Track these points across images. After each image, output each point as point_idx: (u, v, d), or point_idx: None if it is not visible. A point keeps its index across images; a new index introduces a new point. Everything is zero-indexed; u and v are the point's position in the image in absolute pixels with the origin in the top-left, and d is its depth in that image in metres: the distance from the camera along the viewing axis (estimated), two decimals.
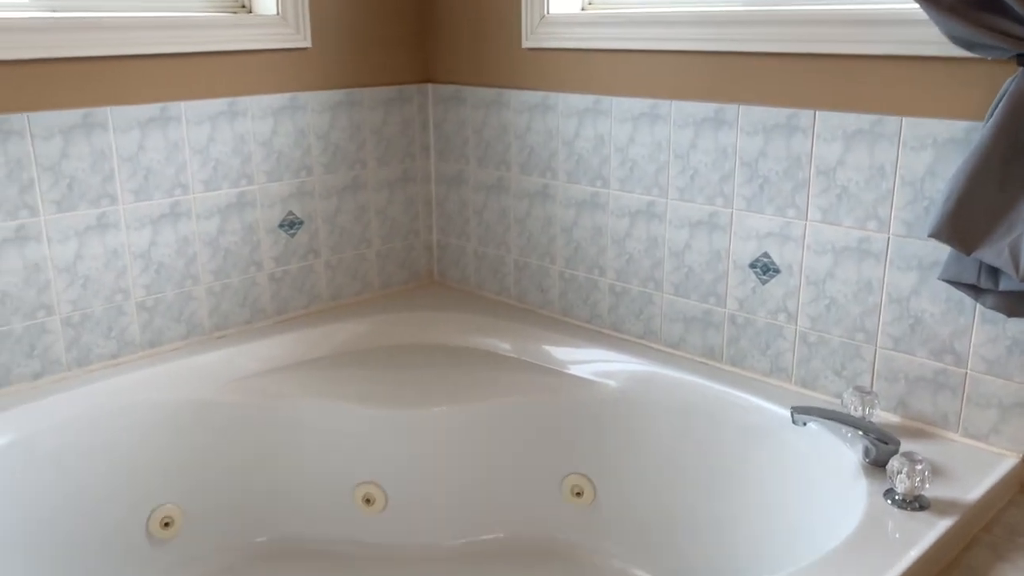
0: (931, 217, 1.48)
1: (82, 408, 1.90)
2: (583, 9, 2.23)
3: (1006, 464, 1.57)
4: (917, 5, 1.44)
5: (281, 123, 2.22)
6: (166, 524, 1.98)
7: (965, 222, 1.44)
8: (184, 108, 2.05)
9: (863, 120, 1.67)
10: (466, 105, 2.44)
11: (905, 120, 1.61)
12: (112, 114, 1.94)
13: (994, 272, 1.46)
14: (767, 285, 1.88)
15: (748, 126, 1.84)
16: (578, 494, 2.07)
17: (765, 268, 1.88)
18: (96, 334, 2.00)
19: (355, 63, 2.35)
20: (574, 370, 2.13)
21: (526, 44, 2.23)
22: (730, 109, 1.86)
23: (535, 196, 2.32)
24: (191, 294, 2.14)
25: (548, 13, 2.18)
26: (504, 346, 2.29)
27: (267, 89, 2.19)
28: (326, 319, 2.34)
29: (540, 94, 2.24)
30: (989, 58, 1.47)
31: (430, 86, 2.52)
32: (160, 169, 2.04)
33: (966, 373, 1.63)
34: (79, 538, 1.85)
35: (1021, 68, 1.39)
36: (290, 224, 2.29)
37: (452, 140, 2.50)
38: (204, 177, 2.11)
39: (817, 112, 1.73)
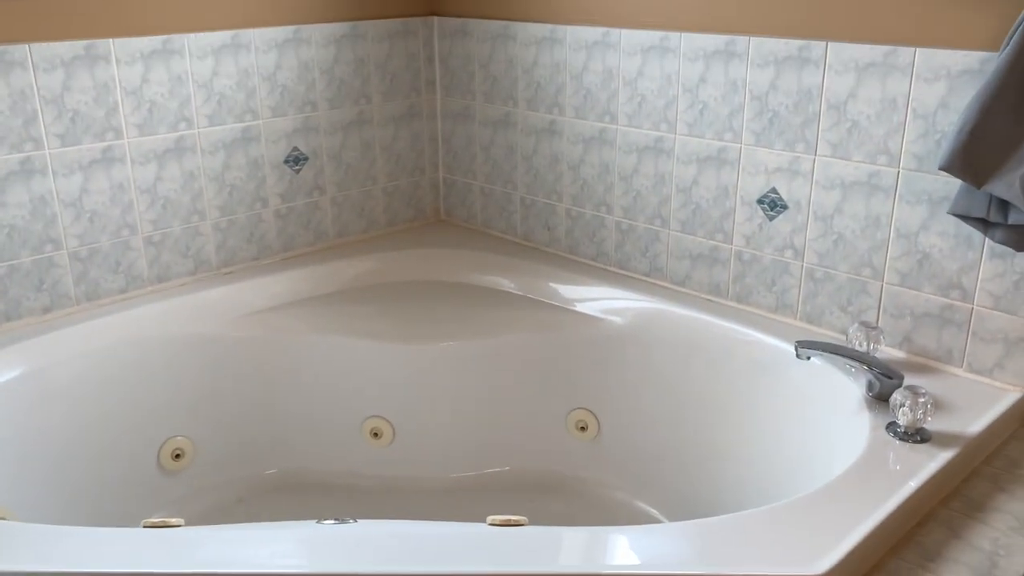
0: (943, 150, 1.46)
1: (91, 342, 1.92)
2: None
3: (1009, 399, 1.58)
4: None
5: (285, 57, 2.19)
6: (177, 456, 2.01)
7: (977, 155, 1.42)
8: (188, 40, 2.02)
9: (876, 51, 1.64)
10: (472, 38, 2.40)
11: (919, 51, 1.58)
12: (115, 46, 1.92)
13: (1004, 206, 1.44)
14: (774, 221, 1.87)
15: (759, 58, 1.81)
16: (582, 428, 2.10)
17: (773, 204, 1.86)
18: (104, 269, 2.01)
19: None
20: (580, 307, 2.14)
21: None
22: (740, 41, 1.83)
23: (542, 132, 2.30)
24: (198, 230, 2.14)
25: None
26: (510, 283, 2.29)
27: (271, 21, 2.15)
28: (332, 256, 2.35)
29: (548, 27, 2.20)
30: None
31: (435, 19, 2.48)
32: (164, 103, 2.02)
33: (972, 308, 1.63)
34: (91, 471, 1.89)
35: None
36: (295, 160, 2.28)
37: (458, 75, 2.47)
38: (208, 112, 2.09)
39: (829, 43, 1.70)
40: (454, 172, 2.59)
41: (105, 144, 1.95)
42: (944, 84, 1.56)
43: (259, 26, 2.13)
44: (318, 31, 2.24)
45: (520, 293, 2.26)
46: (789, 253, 1.86)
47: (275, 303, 2.17)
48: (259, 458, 2.12)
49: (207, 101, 2.09)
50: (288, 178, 2.28)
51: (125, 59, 1.94)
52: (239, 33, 2.10)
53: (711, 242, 2.00)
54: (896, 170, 1.66)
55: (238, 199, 2.20)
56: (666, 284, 2.12)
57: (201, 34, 2.04)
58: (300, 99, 2.25)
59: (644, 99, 2.04)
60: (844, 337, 1.76)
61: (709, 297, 2.04)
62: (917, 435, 1.45)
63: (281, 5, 2.16)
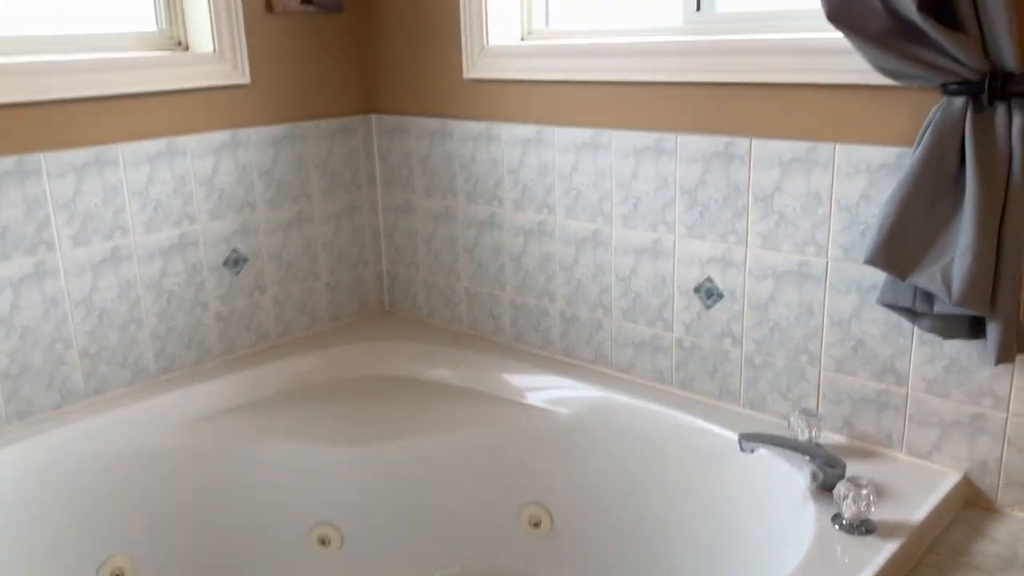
0: (866, 244, 1.50)
1: (25, 462, 1.85)
2: (523, 39, 2.24)
3: (949, 482, 1.60)
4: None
5: (223, 161, 2.19)
6: None
7: (899, 249, 1.47)
8: (121, 150, 2.01)
9: (798, 147, 1.69)
10: (410, 135, 2.43)
11: (838, 147, 1.64)
12: (46, 160, 1.90)
13: (929, 296, 1.49)
14: (712, 310, 1.90)
15: (686, 155, 1.86)
16: (536, 524, 2.07)
17: (709, 293, 1.90)
18: (36, 385, 1.96)
19: (297, 97, 2.33)
20: (528, 398, 2.13)
21: (467, 75, 2.23)
22: (668, 138, 1.88)
23: (483, 224, 2.32)
24: (135, 338, 2.10)
25: (488, 45, 2.18)
26: (457, 376, 2.28)
27: (207, 127, 2.16)
28: (275, 356, 2.32)
29: (483, 124, 2.24)
30: (915, 86, 1.50)
31: (374, 117, 2.51)
32: (98, 213, 2.00)
33: (907, 393, 1.66)
34: None
35: (945, 96, 1.43)
36: (235, 262, 2.26)
37: (398, 170, 2.50)
38: (144, 219, 2.08)
39: (753, 140, 1.75)
40: (397, 264, 2.59)
41: (37, 258, 1.92)
42: (864, 178, 1.62)
43: (195, 132, 2.13)
44: (256, 134, 2.25)
45: (467, 386, 2.25)
46: (728, 341, 1.89)
47: (217, 409, 2.13)
48: (204, 573, 2.05)
49: (143, 209, 2.07)
50: (228, 280, 2.26)
51: (57, 172, 1.92)
52: (174, 140, 2.10)
53: (652, 330, 2.02)
54: (825, 260, 1.71)
55: (177, 305, 2.17)
56: (612, 372, 2.13)
57: (135, 143, 2.03)
58: (239, 201, 2.24)
59: (580, 193, 2.07)
60: (786, 423, 1.78)
61: (654, 384, 2.05)
62: (862, 526, 1.46)
63: (218, 111, 2.17)
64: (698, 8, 1.94)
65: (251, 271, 2.31)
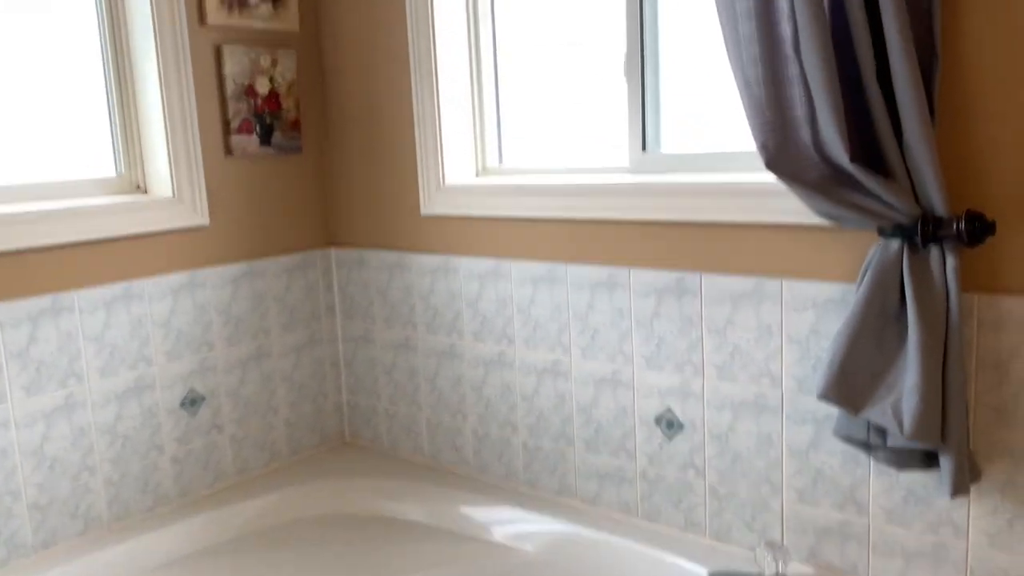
0: (818, 379, 1.54)
1: None
2: (477, 176, 2.31)
3: None
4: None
5: (180, 302, 2.19)
6: None
7: (850, 384, 1.51)
8: (78, 297, 2.00)
9: (746, 283, 1.75)
10: (370, 267, 2.46)
11: (785, 282, 1.70)
12: (0, 310, 1.89)
13: (882, 430, 1.52)
14: (673, 440, 1.91)
15: (640, 288, 1.90)
16: None
17: (670, 423, 1.91)
18: None
19: (256, 235, 2.36)
20: (492, 534, 2.10)
21: (425, 211, 2.28)
22: (621, 272, 1.93)
23: (443, 355, 2.33)
24: (88, 487, 2.05)
25: (444, 184, 2.24)
26: (419, 511, 2.24)
27: (165, 269, 2.17)
28: (233, 496, 2.26)
29: (441, 257, 2.28)
30: (852, 228, 1.57)
31: (333, 250, 2.54)
32: (52, 361, 1.97)
33: (868, 523, 1.67)
34: None
35: (881, 239, 1.49)
36: (192, 402, 2.24)
37: (357, 301, 2.51)
38: (100, 365, 2.05)
39: (703, 275, 1.81)
40: (357, 394, 2.58)
41: None
42: (812, 312, 1.67)
43: (153, 275, 2.14)
44: (215, 274, 2.26)
45: (430, 523, 2.21)
46: (691, 472, 1.90)
47: (172, 557, 2.06)
48: None
49: (98, 354, 2.05)
50: (184, 421, 2.23)
51: (10, 322, 1.90)
52: (131, 284, 2.10)
53: (616, 461, 2.02)
54: (780, 391, 1.74)
55: (132, 449, 2.12)
56: (577, 503, 2.12)
57: (92, 289, 2.03)
58: (196, 341, 2.23)
59: (538, 324, 2.10)
60: (753, 555, 1.77)
61: (620, 516, 2.04)
62: None
63: (176, 253, 2.19)
64: (644, 148, 2.02)
65: (208, 410, 2.28)
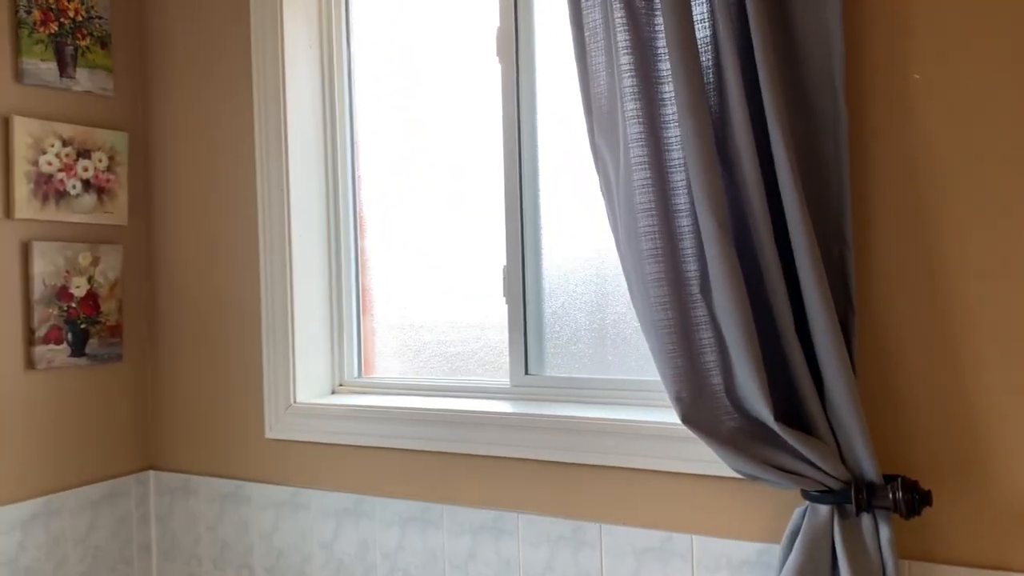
0: None
1: None
2: (333, 392, 2.05)
3: None
4: None
5: None
6: None
7: None
8: None
9: (653, 536, 1.57)
10: (198, 498, 2.09)
11: (696, 539, 1.54)
12: None
13: None
14: None
15: (531, 537, 1.68)
16: None
17: None
18: None
19: (56, 463, 1.94)
20: None
21: (270, 435, 1.98)
22: (509, 517, 1.70)
23: None
24: None
25: (295, 402, 1.96)
26: None
27: None
28: None
29: (289, 490, 1.96)
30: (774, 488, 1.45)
31: (152, 474, 2.15)
32: None
33: None
34: None
35: (808, 503, 1.37)
36: None
37: (180, 539, 2.11)
38: None
39: (602, 526, 1.62)
40: None
41: None
42: (726, 573, 1.51)
43: None
44: None
45: None
46: None
47: None
48: None
49: None
50: None
51: None
52: None
53: None
54: None
55: None
56: None
57: None
58: None
59: (407, 574, 1.81)
60: None
61: None
62: None
63: None
64: (527, 371, 1.85)
65: None
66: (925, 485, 1.35)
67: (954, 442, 1.34)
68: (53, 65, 1.95)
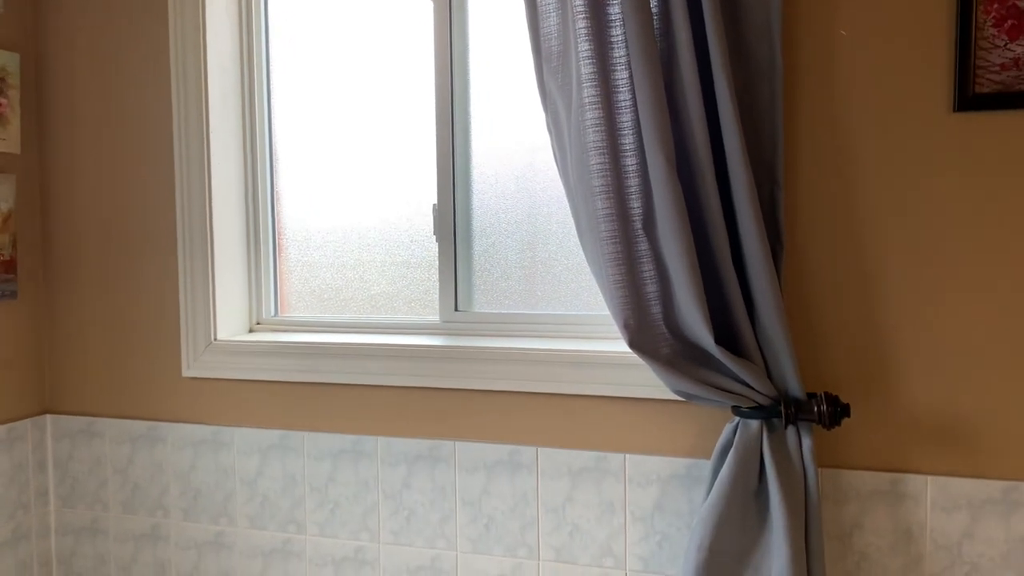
0: (685, 566, 1.49)
1: None
2: (251, 331, 2.02)
3: None
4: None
5: None
6: None
7: (717, 568, 1.47)
8: None
9: (587, 457, 1.67)
10: (103, 440, 2.01)
11: (628, 457, 1.65)
12: None
13: None
14: None
15: (467, 463, 1.74)
16: None
17: None
18: None
19: None
20: None
21: (188, 373, 1.93)
22: (446, 445, 1.76)
23: (205, 547, 1.94)
24: None
25: (215, 339, 1.91)
26: None
27: None
28: None
29: (208, 428, 1.92)
30: (708, 407, 1.57)
31: (49, 418, 2.04)
32: None
33: None
34: None
35: (739, 419, 1.51)
36: None
37: (82, 482, 2.03)
38: None
39: (539, 449, 1.70)
40: None
41: None
42: (657, 488, 1.64)
43: None
44: None
45: None
46: None
47: None
48: None
49: None
50: None
51: None
52: None
53: None
54: (623, 572, 1.66)
55: None
56: None
57: None
58: None
59: (336, 505, 1.83)
60: None
61: None
62: None
63: None
64: (456, 308, 1.90)
65: None
66: (846, 403, 1.52)
67: (864, 362, 1.51)
68: None
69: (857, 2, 1.47)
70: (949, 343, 1.47)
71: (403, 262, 1.96)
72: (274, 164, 2.04)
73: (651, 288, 1.50)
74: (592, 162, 1.47)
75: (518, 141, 1.85)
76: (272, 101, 2.03)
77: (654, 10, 1.48)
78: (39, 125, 2.02)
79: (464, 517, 1.76)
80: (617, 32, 1.48)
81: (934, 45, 1.44)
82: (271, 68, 2.02)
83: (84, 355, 2.02)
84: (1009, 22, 1.42)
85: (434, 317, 1.92)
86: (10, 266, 1.94)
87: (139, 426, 1.98)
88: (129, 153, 1.96)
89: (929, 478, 1.49)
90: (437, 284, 1.92)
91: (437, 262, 1.91)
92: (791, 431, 1.48)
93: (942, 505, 1.48)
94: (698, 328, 1.45)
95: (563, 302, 1.84)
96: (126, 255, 1.97)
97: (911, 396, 1.49)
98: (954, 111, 1.43)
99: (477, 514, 1.74)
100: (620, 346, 1.68)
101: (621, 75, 1.48)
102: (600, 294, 1.81)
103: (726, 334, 1.50)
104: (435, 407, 1.77)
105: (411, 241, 1.95)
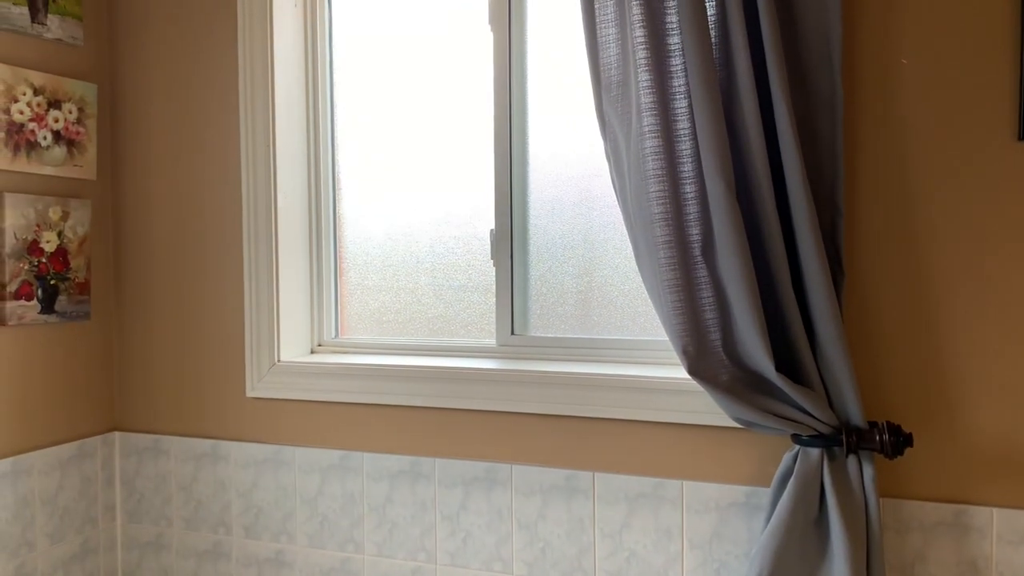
0: None
1: None
2: (312, 352, 2.06)
3: None
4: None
5: None
6: None
7: None
8: None
9: (645, 483, 1.68)
10: (168, 458, 2.06)
11: (686, 484, 1.65)
12: None
13: None
14: None
15: (523, 486, 1.76)
16: None
17: None
18: None
19: (24, 423, 1.88)
20: None
21: (252, 393, 1.98)
22: (503, 468, 1.77)
23: (265, 564, 1.98)
24: None
25: (279, 360, 1.96)
26: None
27: None
28: None
29: (270, 447, 1.97)
30: (768, 434, 1.57)
31: (117, 435, 2.11)
32: None
33: None
34: None
35: (799, 447, 1.50)
36: None
37: (148, 499, 2.08)
38: None
39: (596, 474, 1.71)
40: None
41: None
42: (715, 515, 1.63)
43: None
44: None
45: None
46: None
47: None
48: None
49: None
50: None
51: None
52: None
53: None
54: None
55: None
56: None
57: None
58: None
59: (395, 526, 1.86)
60: None
61: None
62: None
63: None
64: (512, 332, 1.92)
65: None
66: (909, 432, 1.50)
67: (927, 391, 1.50)
68: (25, 10, 1.87)
69: (918, 31, 1.48)
70: (1015, 372, 1.45)
71: (460, 286, 1.99)
72: (336, 189, 2.09)
73: (710, 315, 1.51)
74: (651, 189, 1.49)
75: (575, 167, 1.87)
76: (335, 130, 2.08)
77: (714, 40, 1.50)
78: (113, 153, 2.10)
79: (520, 541, 1.77)
80: (676, 62, 1.50)
81: (998, 73, 1.43)
82: (335, 98, 2.08)
83: (152, 375, 2.09)
84: None
85: (490, 341, 1.95)
86: (84, 288, 2.01)
87: (203, 444, 2.03)
88: (198, 180, 2.03)
89: (995, 510, 1.46)
90: (494, 308, 1.95)
91: (494, 286, 1.94)
92: (852, 460, 1.47)
93: (1008, 538, 1.46)
94: (758, 355, 1.46)
95: (618, 327, 1.85)
96: (194, 279, 2.04)
97: (976, 426, 1.47)
98: (1019, 139, 1.42)
99: (533, 537, 1.76)
100: (677, 372, 1.69)
101: (680, 104, 1.50)
102: (655, 319, 1.82)
103: (786, 361, 1.50)
104: (492, 430, 1.79)
105: (468, 266, 1.98)
